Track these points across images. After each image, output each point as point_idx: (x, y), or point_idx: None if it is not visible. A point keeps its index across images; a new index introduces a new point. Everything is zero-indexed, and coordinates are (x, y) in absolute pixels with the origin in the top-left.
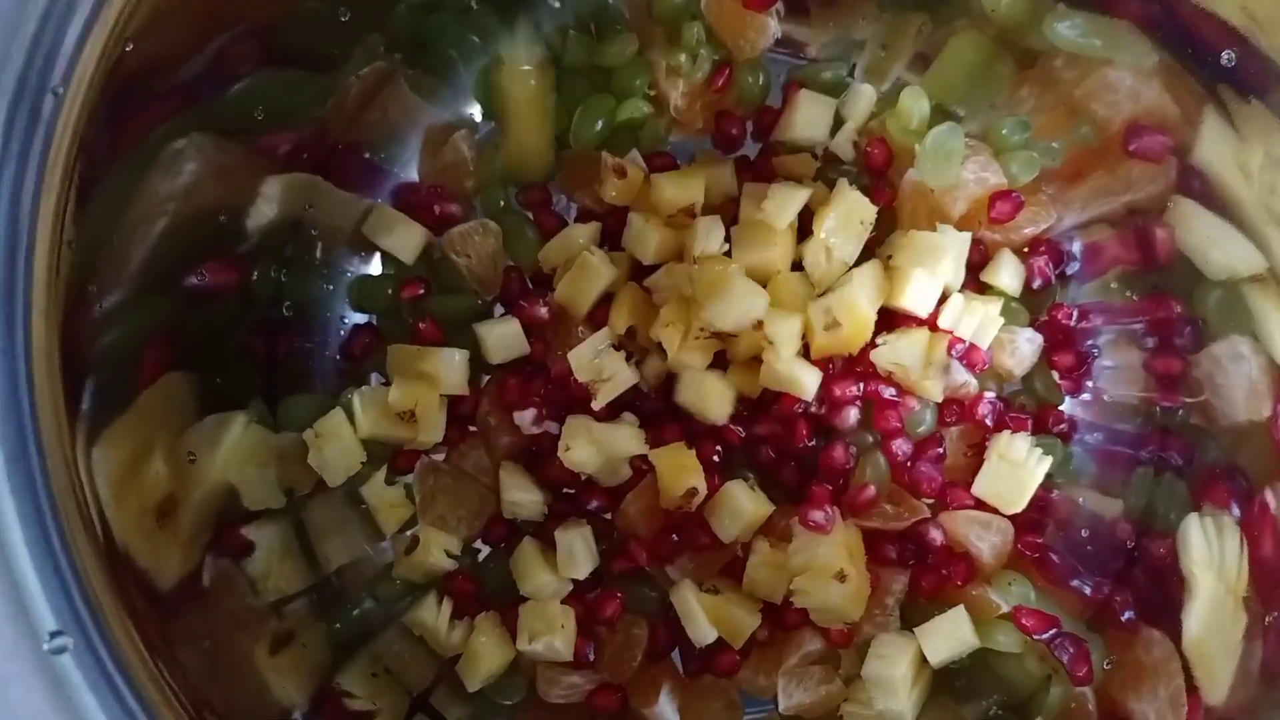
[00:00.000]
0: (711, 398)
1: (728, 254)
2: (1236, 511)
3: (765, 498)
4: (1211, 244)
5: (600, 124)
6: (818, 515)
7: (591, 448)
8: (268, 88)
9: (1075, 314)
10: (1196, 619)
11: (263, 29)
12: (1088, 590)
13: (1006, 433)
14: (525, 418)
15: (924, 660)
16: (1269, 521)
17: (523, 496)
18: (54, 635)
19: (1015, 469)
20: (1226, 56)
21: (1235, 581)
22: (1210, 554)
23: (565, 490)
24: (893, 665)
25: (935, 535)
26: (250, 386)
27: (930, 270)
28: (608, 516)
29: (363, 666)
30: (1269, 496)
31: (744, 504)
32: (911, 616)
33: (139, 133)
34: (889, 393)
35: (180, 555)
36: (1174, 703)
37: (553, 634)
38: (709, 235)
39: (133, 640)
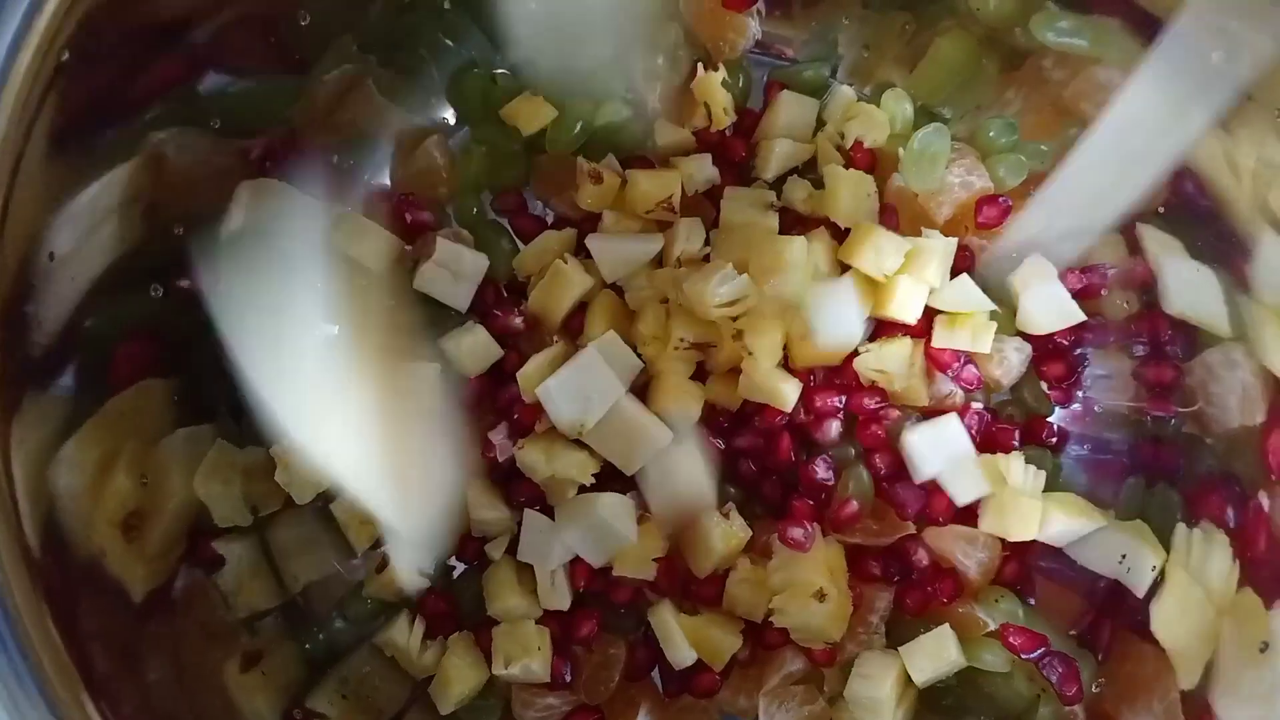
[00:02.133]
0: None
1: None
2: (1231, 517)
3: (741, 523)
4: None
5: (578, 127)
6: (797, 532)
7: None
8: (232, 91)
9: None
10: (1163, 609)
11: (223, 30)
12: (1078, 605)
13: (1003, 457)
14: (499, 435)
15: (909, 679)
16: (1264, 523)
17: (490, 514)
18: None
19: (1018, 498)
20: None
21: (1222, 594)
22: (1191, 561)
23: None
24: (877, 685)
25: (920, 552)
26: (217, 400)
27: (916, 277)
28: None
29: (333, 687)
30: (1263, 499)
31: (715, 543)
32: (897, 634)
33: (85, 141)
34: (872, 403)
35: (146, 570)
36: (1170, 716)
37: (529, 657)
38: (690, 236)
39: (71, 679)
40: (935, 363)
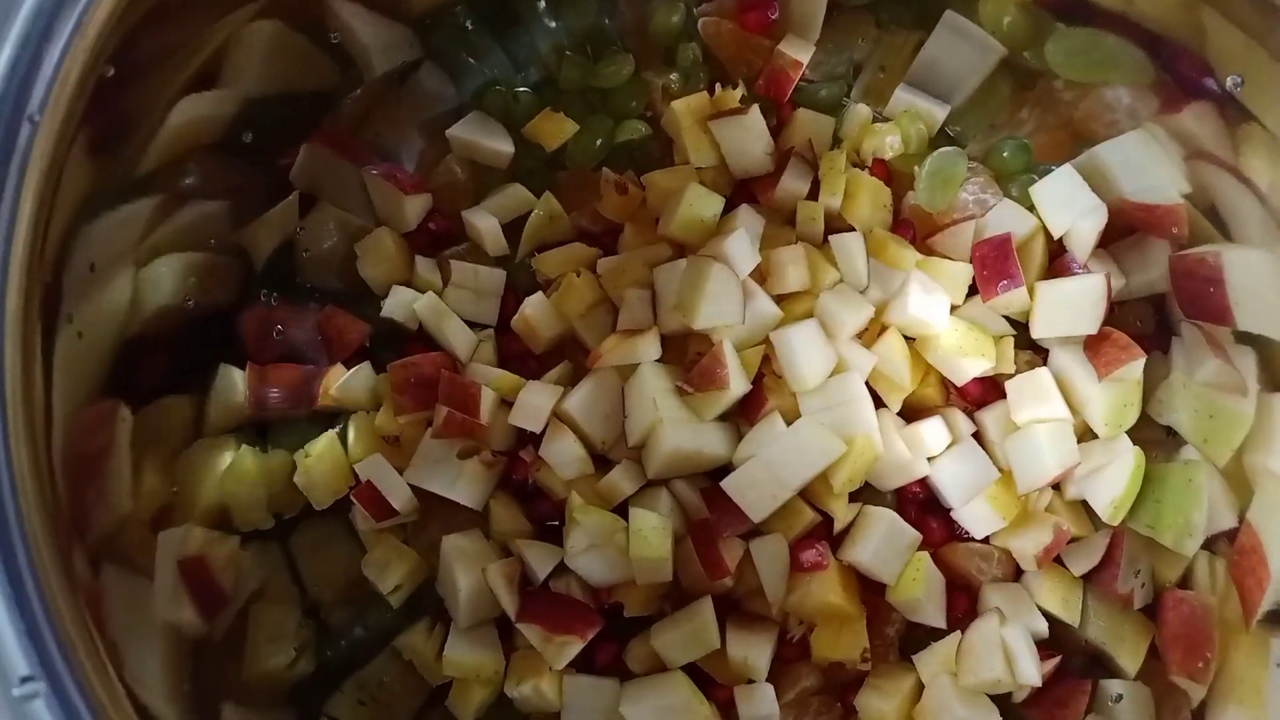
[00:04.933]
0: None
1: None
2: None
3: None
4: None
5: (598, 144)
6: (810, 554)
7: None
8: (259, 108)
9: None
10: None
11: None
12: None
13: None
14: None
15: (920, 690)
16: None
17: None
18: (24, 680)
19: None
20: (1232, 80)
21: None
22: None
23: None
24: (887, 697)
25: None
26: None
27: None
28: None
29: (351, 694)
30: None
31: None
32: (911, 647)
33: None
34: None
35: None
36: None
37: (539, 678)
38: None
39: (108, 681)
40: (965, 395)
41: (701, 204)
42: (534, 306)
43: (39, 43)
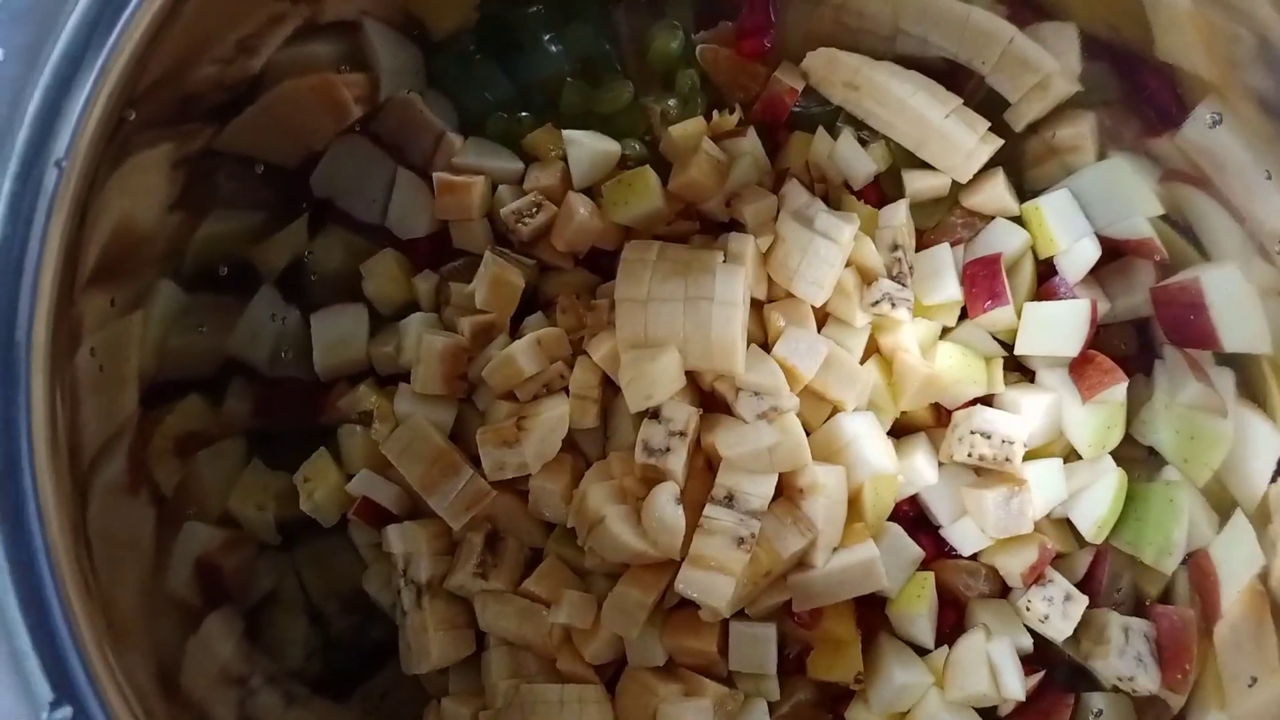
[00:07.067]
0: None
1: None
2: None
3: None
4: None
5: None
6: None
7: None
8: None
9: None
10: None
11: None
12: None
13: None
14: None
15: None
16: None
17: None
18: (53, 705)
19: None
20: (1211, 117)
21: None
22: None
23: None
24: (874, 709)
25: None
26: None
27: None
28: None
29: (358, 706)
30: None
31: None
32: None
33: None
34: None
35: None
36: None
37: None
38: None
39: (132, 705)
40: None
41: None
42: (530, 326)
43: (63, 88)
